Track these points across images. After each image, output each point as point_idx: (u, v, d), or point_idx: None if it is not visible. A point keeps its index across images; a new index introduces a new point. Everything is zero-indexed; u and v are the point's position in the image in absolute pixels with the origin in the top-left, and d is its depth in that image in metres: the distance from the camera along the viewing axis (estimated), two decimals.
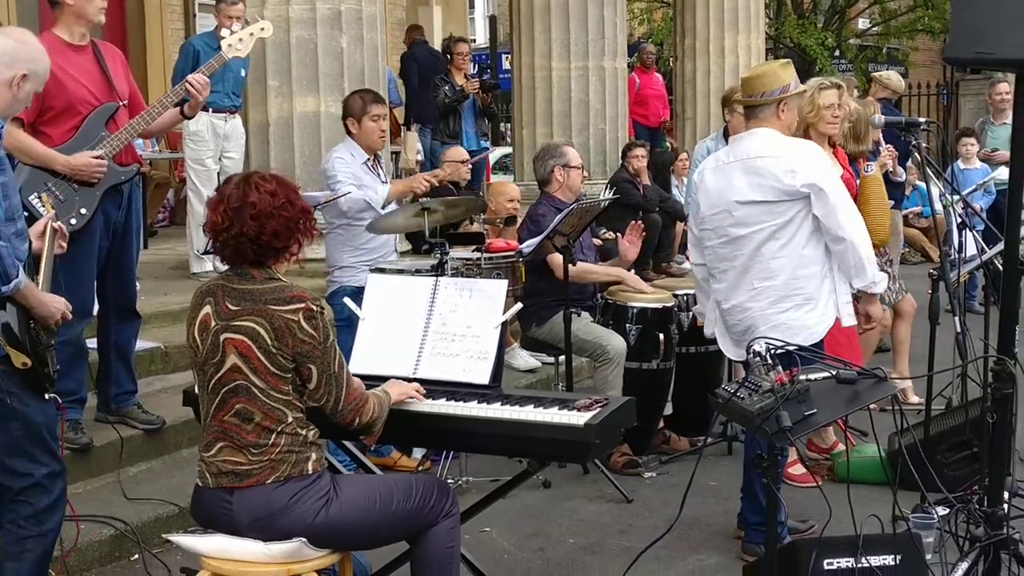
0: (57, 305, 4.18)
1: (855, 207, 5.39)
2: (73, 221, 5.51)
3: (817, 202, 5.23)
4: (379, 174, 6.74)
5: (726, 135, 8.20)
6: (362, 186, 6.52)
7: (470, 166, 9.94)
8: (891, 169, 7.33)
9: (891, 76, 10.57)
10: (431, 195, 6.81)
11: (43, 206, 5.19)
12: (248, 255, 3.84)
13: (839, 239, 5.25)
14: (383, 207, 6.52)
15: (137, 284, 6.35)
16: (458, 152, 9.64)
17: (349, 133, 6.71)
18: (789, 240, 5.31)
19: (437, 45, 15.25)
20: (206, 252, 6.52)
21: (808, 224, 5.29)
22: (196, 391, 4.05)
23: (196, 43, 9.18)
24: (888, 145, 7.34)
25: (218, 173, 9.24)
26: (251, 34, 6.13)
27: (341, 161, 6.59)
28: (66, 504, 4.34)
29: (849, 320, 5.45)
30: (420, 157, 12.31)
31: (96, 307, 6.08)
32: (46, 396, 4.17)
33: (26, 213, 4.40)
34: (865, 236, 5.30)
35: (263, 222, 3.80)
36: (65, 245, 4.57)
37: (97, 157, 5.62)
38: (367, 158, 6.66)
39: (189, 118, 6.15)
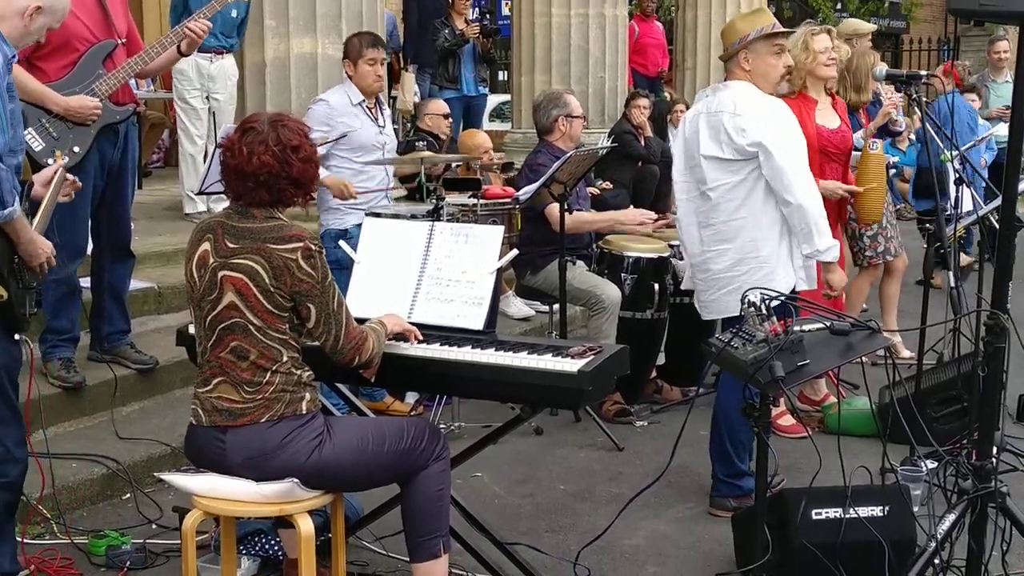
0: (44, 248, 4.10)
1: (807, 169, 5.29)
2: (66, 159, 5.48)
3: (764, 163, 5.21)
4: (378, 117, 6.72)
5: None
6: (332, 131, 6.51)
7: (451, 120, 9.86)
8: (893, 118, 7.29)
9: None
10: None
11: (52, 155, 5.13)
12: (288, 200, 3.88)
13: (786, 202, 5.22)
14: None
15: (132, 224, 6.33)
16: (438, 105, 9.56)
17: (348, 75, 6.70)
18: (744, 200, 5.31)
19: None
20: (200, 192, 6.49)
21: (762, 185, 5.27)
22: (192, 329, 4.05)
23: None
24: (892, 95, 7.29)
25: (209, 112, 9.19)
26: None
27: (324, 103, 6.63)
28: (27, 453, 4.23)
29: (804, 285, 5.40)
30: (417, 99, 12.24)
31: (90, 246, 6.07)
32: (16, 337, 4.11)
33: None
34: (815, 200, 5.23)
35: (307, 166, 3.85)
36: (73, 194, 4.51)
37: (96, 104, 5.59)
38: (363, 99, 6.63)
39: (186, 55, 6.10)
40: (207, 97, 9.23)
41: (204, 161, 8.44)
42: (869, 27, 8.82)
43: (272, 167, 3.78)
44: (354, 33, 7.19)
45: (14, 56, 3.98)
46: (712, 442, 5.51)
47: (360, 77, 6.64)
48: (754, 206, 5.30)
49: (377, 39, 6.89)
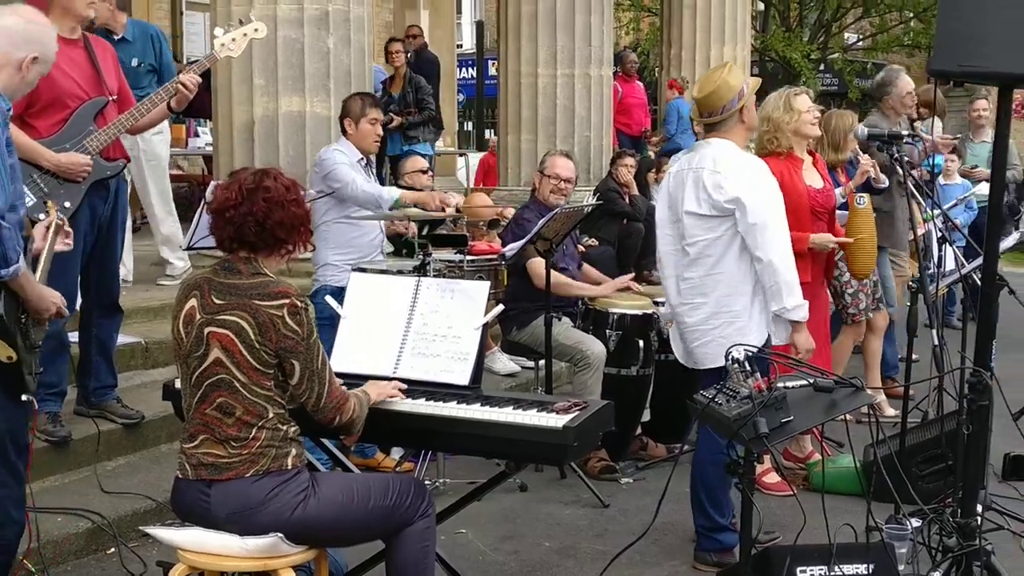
0: (53, 299, 4.10)
1: (781, 227, 5.30)
2: (59, 212, 5.50)
3: (740, 218, 5.24)
4: (371, 175, 6.76)
5: None
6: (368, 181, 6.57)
7: (431, 175, 9.86)
8: (873, 176, 7.36)
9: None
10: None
11: (46, 208, 5.13)
12: (248, 237, 3.87)
13: (758, 258, 5.25)
14: (390, 207, 6.55)
15: (120, 279, 6.34)
16: (416, 162, 9.61)
17: (345, 133, 6.73)
18: (721, 257, 5.34)
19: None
20: (189, 248, 6.49)
21: (739, 242, 5.29)
22: (179, 384, 4.06)
23: None
24: (864, 155, 7.38)
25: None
26: (244, 34, 6.13)
27: (340, 153, 6.61)
28: (24, 519, 4.22)
29: (779, 339, 5.38)
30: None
31: (79, 301, 6.08)
32: (23, 398, 4.09)
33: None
34: (786, 258, 5.25)
35: (272, 208, 3.87)
36: (71, 242, 4.50)
37: (87, 161, 5.62)
38: (360, 158, 6.68)
39: (176, 111, 6.14)
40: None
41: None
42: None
43: (234, 202, 3.85)
44: (355, 93, 7.26)
45: (9, 109, 3.99)
46: (692, 495, 5.53)
47: (361, 136, 6.68)
48: (730, 262, 5.33)
49: (376, 100, 6.97)
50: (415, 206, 6.57)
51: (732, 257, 5.31)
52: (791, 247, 5.33)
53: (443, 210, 6.65)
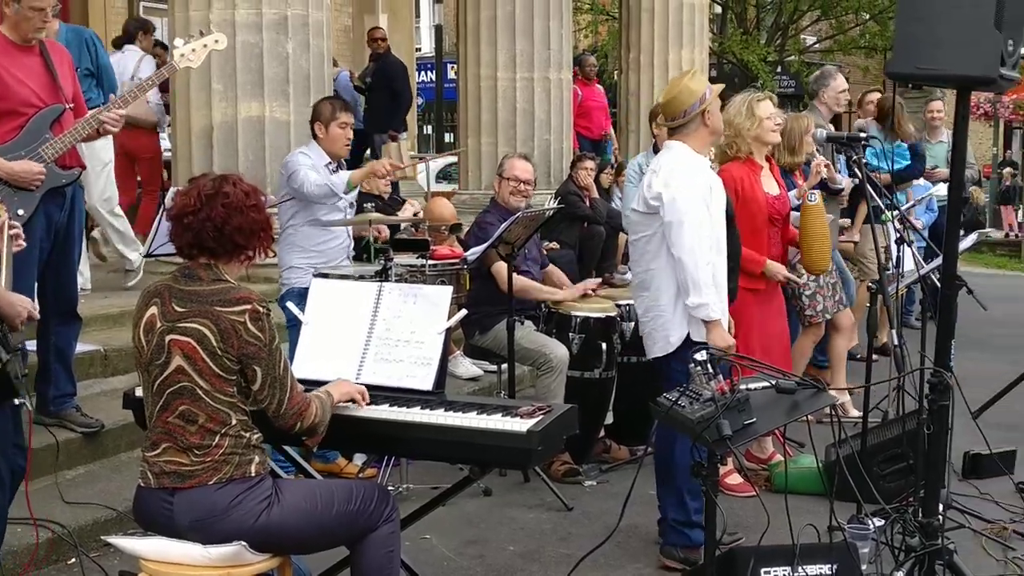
0: (23, 304, 4.15)
1: (702, 228, 5.34)
2: (10, 216, 5.46)
3: (661, 215, 5.35)
4: None
5: (656, 151, 8.25)
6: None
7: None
8: (827, 176, 7.40)
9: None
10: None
11: None
12: (207, 242, 3.86)
13: (671, 254, 5.35)
14: (346, 191, 6.54)
15: (78, 287, 6.29)
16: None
17: (315, 137, 6.74)
18: (656, 254, 5.46)
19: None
20: (148, 255, 6.46)
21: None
22: (140, 392, 4.03)
23: None
24: (819, 157, 7.43)
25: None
26: (204, 45, 6.10)
27: (304, 156, 6.63)
28: (5, 527, 4.24)
29: (697, 337, 5.37)
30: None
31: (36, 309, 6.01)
32: (16, 402, 4.10)
33: None
34: (697, 259, 5.29)
35: (231, 214, 3.85)
36: (23, 242, 4.50)
37: (40, 170, 5.57)
38: (329, 162, 6.67)
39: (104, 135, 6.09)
40: None
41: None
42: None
43: (193, 208, 3.84)
44: (325, 97, 7.31)
45: None
46: (664, 490, 5.55)
47: (331, 140, 6.68)
48: (661, 259, 5.44)
49: (347, 105, 6.97)
50: (374, 207, 6.56)
51: (664, 254, 5.43)
52: (703, 249, 5.36)
53: (392, 173, 6.67)
